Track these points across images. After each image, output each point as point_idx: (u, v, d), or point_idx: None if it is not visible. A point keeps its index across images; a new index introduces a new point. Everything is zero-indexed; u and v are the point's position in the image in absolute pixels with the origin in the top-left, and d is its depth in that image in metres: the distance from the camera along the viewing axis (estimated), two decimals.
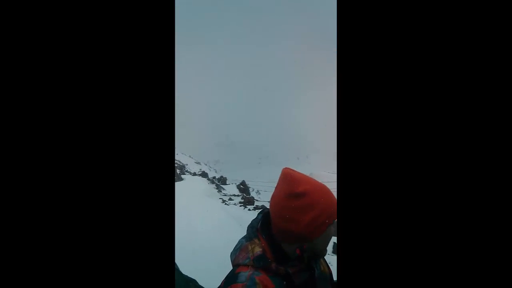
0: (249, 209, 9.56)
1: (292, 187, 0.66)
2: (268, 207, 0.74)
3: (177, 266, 0.95)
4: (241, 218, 7.24)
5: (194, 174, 23.60)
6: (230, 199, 12.68)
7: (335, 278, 0.78)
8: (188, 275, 1.00)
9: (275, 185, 0.72)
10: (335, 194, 0.66)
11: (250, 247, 0.69)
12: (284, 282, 0.65)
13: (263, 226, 0.72)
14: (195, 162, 45.46)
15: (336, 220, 0.67)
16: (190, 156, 51.53)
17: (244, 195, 16.30)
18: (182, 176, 19.10)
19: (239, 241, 0.73)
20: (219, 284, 0.72)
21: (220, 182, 22.35)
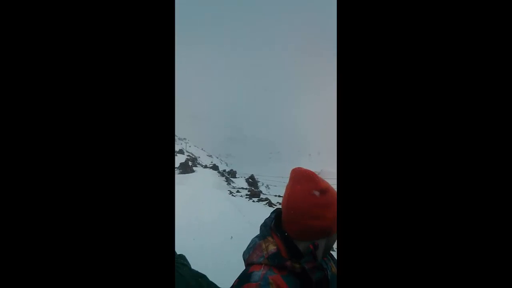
0: (253, 201, 10.18)
1: (316, 184, 0.68)
2: (280, 205, 0.75)
3: (187, 261, 0.95)
4: (244, 208, 7.84)
5: (205, 166, 24.40)
6: (237, 191, 13.31)
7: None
8: (195, 269, 0.99)
9: (286, 180, 0.75)
10: None
11: (264, 245, 0.69)
12: (299, 281, 0.65)
13: (277, 225, 0.72)
14: (207, 155, 46.52)
15: None
16: (202, 149, 52.70)
17: (252, 188, 16.91)
18: (194, 168, 19.90)
19: (252, 240, 0.73)
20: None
21: (229, 175, 23.06)
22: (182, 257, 0.95)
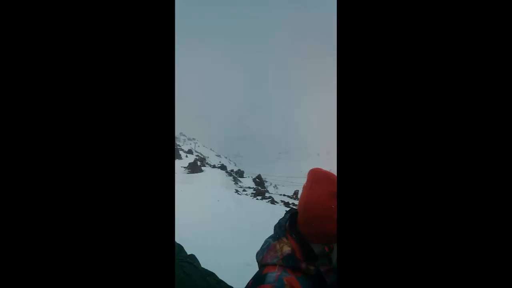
0: (257, 199, 10.65)
1: (336, 187, 0.66)
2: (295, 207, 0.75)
3: (197, 261, 0.94)
4: (246, 204, 8.32)
5: (214, 166, 24.94)
6: (244, 190, 13.78)
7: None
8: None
9: (293, 180, 1.08)
10: None
11: (278, 246, 0.68)
12: (313, 284, 0.64)
13: (292, 226, 0.71)
14: (216, 155, 47.13)
15: None
16: (211, 149, 53.44)
17: (259, 188, 17.33)
18: (202, 168, 20.45)
19: (265, 241, 0.73)
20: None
21: (237, 175, 23.54)
22: (192, 257, 0.94)
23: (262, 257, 0.69)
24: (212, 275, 0.91)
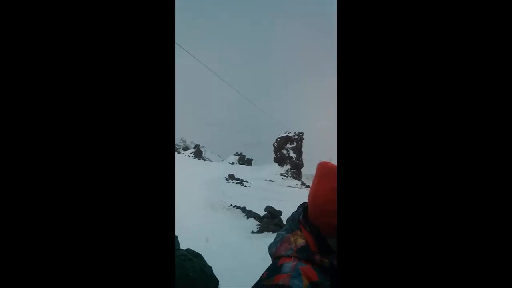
0: (244, 186, 14.80)
1: None
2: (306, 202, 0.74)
3: (204, 261, 0.92)
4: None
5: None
6: (246, 181, 17.86)
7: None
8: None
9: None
10: None
11: (292, 238, 0.69)
12: (327, 276, 0.63)
13: (305, 218, 0.71)
14: (222, 161, 51.40)
15: None
16: (218, 155, 57.87)
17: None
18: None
19: (278, 234, 0.74)
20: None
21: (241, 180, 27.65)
22: (196, 255, 0.95)
23: (276, 249, 0.69)
24: (198, 256, 0.92)
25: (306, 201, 0.76)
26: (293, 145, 31.11)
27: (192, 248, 0.97)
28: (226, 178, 17.28)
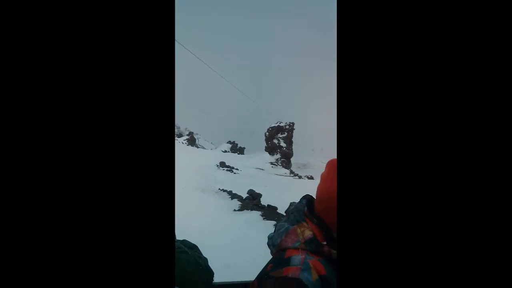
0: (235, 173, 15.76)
1: None
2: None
3: (186, 244, 0.92)
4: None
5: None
6: (236, 168, 18.86)
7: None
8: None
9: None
10: None
11: (299, 230, 0.68)
12: (334, 266, 0.63)
13: (311, 210, 0.71)
14: (215, 148, 52.27)
15: None
16: (212, 143, 58.65)
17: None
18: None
19: (280, 225, 0.73)
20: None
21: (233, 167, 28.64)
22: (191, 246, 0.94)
23: (281, 240, 0.68)
24: (194, 247, 0.92)
25: (308, 194, 0.77)
26: (284, 135, 32.08)
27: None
28: (217, 165, 18.23)
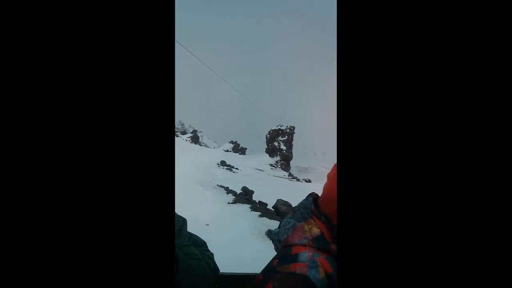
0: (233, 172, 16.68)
1: None
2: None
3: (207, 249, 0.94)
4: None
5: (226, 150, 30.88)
6: (236, 168, 19.77)
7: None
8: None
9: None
10: None
11: (306, 227, 0.69)
12: None
13: (318, 208, 0.72)
14: (218, 147, 53.20)
15: None
16: (215, 141, 59.63)
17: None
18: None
19: (287, 221, 0.74)
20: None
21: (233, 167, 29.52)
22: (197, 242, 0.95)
23: (288, 236, 0.69)
24: (203, 245, 0.94)
25: (314, 192, 0.79)
26: (284, 138, 32.95)
27: (182, 215, 0.97)
28: (218, 164, 19.15)
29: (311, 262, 0.62)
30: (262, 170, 25.82)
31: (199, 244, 0.95)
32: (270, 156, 31.09)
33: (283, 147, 32.08)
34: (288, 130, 33.51)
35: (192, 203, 6.78)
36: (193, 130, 39.04)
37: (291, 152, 33.02)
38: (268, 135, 33.57)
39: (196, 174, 12.26)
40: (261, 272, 0.65)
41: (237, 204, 7.98)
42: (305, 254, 0.63)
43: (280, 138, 32.69)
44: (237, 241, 4.76)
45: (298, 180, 25.49)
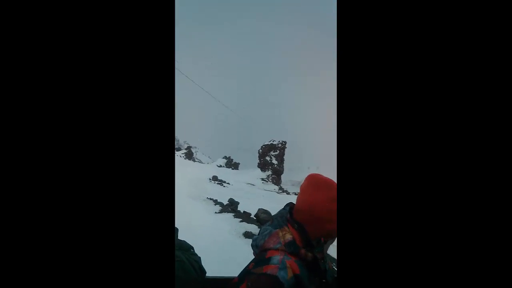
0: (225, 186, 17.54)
1: (335, 192, 0.77)
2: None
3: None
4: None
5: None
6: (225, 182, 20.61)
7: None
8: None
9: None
10: None
11: (281, 233, 0.78)
12: (307, 268, 0.73)
13: (293, 217, 0.82)
14: (212, 162, 53.89)
15: None
16: (209, 157, 60.40)
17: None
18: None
19: (264, 228, 0.83)
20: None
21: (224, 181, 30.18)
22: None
23: (264, 242, 0.78)
24: (190, 249, 0.98)
25: (291, 202, 0.89)
26: (276, 153, 33.95)
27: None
28: (210, 179, 20.01)
29: (281, 264, 0.69)
30: (253, 185, 26.56)
31: (186, 248, 0.98)
32: (261, 171, 31.92)
33: (274, 161, 33.01)
34: (279, 145, 34.59)
35: (183, 214, 7.71)
36: (187, 146, 39.87)
37: (282, 166, 33.97)
38: (260, 150, 34.57)
39: (188, 189, 13.14)
40: (238, 275, 0.72)
41: (223, 213, 8.93)
42: (277, 257, 0.71)
43: (272, 152, 33.69)
44: (218, 241, 5.71)
45: (288, 193, 26.31)
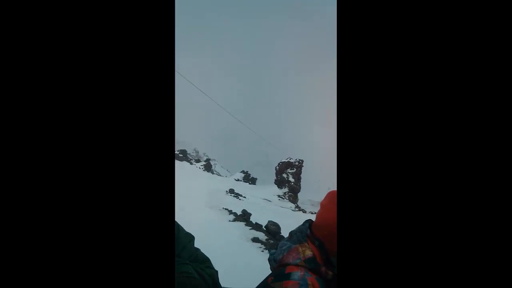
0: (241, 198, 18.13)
1: None
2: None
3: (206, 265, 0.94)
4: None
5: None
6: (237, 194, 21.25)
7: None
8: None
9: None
10: None
11: (300, 249, 0.77)
12: (328, 286, 0.71)
13: (313, 233, 0.81)
14: (230, 176, 54.71)
15: None
16: (228, 170, 61.35)
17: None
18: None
19: (283, 243, 0.83)
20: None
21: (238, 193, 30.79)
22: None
23: (283, 256, 0.78)
24: (206, 261, 0.95)
25: (310, 219, 0.88)
26: (293, 171, 34.18)
27: (192, 230, 0.98)
28: (226, 191, 20.74)
29: (302, 280, 0.69)
30: (269, 201, 26.83)
31: (202, 261, 0.94)
32: (278, 187, 32.12)
33: (291, 179, 33.19)
34: (297, 163, 34.84)
35: (198, 222, 8.46)
36: (206, 159, 41.15)
37: (299, 184, 34.03)
38: (277, 167, 34.96)
39: (206, 199, 13.94)
40: (256, 287, 0.72)
41: (236, 222, 9.65)
42: (298, 273, 0.72)
43: (289, 170, 33.95)
44: (229, 242, 6.38)
45: (304, 212, 26.31)
